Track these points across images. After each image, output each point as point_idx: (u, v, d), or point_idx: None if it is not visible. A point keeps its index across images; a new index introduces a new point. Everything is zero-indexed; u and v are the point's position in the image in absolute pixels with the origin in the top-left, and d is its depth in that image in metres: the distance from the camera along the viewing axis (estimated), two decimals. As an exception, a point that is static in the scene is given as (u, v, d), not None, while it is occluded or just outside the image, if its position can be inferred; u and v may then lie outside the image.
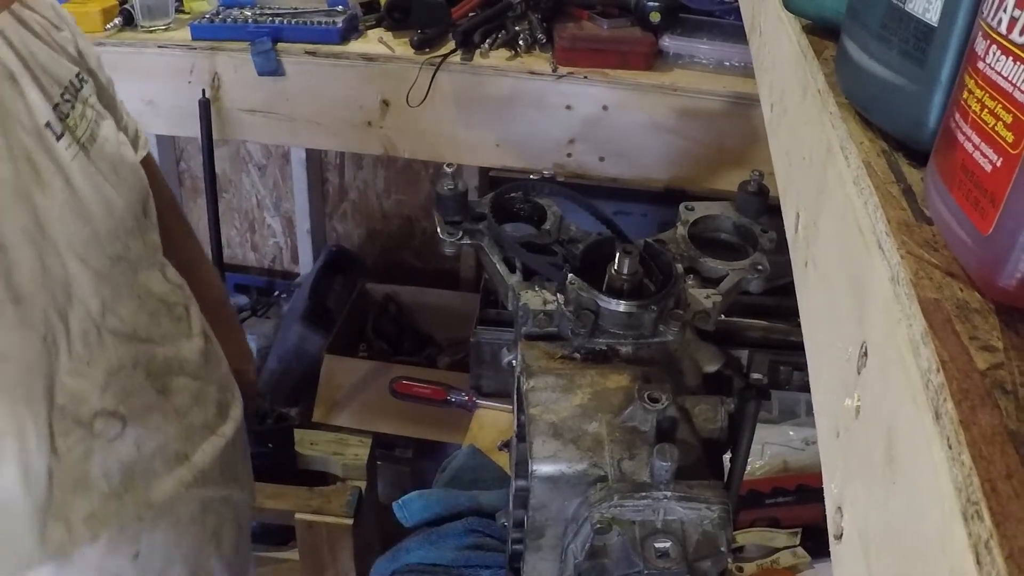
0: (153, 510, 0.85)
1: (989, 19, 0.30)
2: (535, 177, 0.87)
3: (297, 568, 1.75)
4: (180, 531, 0.89)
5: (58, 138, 0.74)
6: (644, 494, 0.60)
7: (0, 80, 0.69)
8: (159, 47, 1.53)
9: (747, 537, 1.29)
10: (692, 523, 0.60)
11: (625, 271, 0.71)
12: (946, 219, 0.32)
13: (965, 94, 0.31)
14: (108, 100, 0.91)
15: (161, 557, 0.88)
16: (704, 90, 1.45)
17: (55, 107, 0.75)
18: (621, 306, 0.71)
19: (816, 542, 1.28)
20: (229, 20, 1.54)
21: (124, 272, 0.82)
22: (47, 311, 0.72)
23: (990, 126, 0.29)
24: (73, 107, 0.77)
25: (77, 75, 0.80)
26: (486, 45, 1.51)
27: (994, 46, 0.29)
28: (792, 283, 0.50)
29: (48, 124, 0.73)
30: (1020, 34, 0.28)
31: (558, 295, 0.74)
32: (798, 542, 1.28)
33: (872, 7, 0.43)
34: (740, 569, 1.25)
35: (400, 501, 1.19)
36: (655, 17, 1.48)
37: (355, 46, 1.53)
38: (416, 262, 2.55)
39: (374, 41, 1.55)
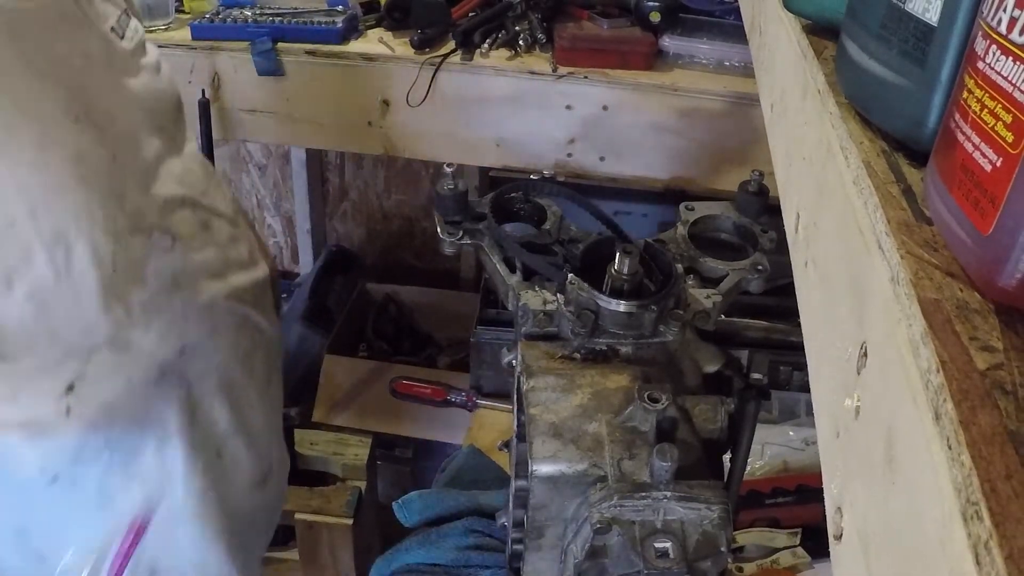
0: (197, 312, 0.99)
1: (989, 19, 0.30)
2: (535, 177, 0.87)
3: (297, 568, 1.75)
4: (218, 340, 1.03)
5: (121, 37, 0.95)
6: (644, 494, 0.60)
7: None
8: (159, 47, 1.52)
9: (747, 537, 1.29)
10: (692, 523, 0.60)
11: (625, 271, 0.71)
12: (946, 219, 0.32)
13: (965, 94, 0.31)
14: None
15: (202, 359, 1.00)
16: (704, 90, 1.45)
17: (118, 18, 0.95)
18: (621, 306, 0.71)
19: (816, 542, 1.28)
20: (229, 20, 1.54)
21: (166, 140, 0.99)
22: (116, 143, 0.89)
23: (990, 126, 0.29)
24: (128, 25, 0.98)
25: (124, 10, 0.99)
26: (486, 45, 1.51)
27: (994, 46, 0.29)
28: (792, 283, 0.50)
29: (112, 28, 0.94)
30: (1020, 34, 0.28)
31: (558, 295, 0.74)
32: (798, 542, 1.28)
33: (872, 7, 0.43)
34: (740, 569, 1.25)
35: (400, 501, 1.19)
36: (655, 17, 1.48)
37: (355, 46, 1.53)
38: (416, 262, 2.55)
39: (374, 41, 1.55)
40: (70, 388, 0.90)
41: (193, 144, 1.10)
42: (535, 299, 0.75)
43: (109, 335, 0.90)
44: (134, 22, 1.00)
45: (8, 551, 1.00)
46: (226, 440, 1.06)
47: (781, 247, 0.80)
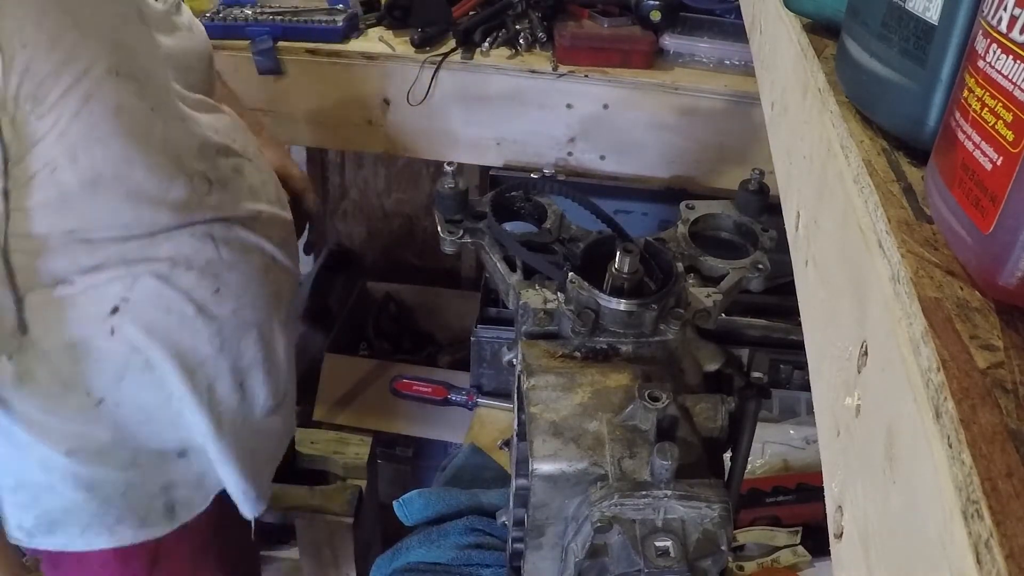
0: (231, 251, 1.06)
1: (989, 18, 0.30)
2: (536, 176, 0.87)
3: (298, 567, 1.75)
4: (249, 278, 1.10)
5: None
6: (644, 493, 0.60)
7: None
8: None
9: (748, 536, 1.29)
10: (692, 522, 0.60)
11: (626, 270, 0.71)
12: (946, 218, 0.32)
13: (965, 93, 0.31)
14: None
15: (234, 297, 1.08)
16: (705, 89, 1.45)
17: None
18: (622, 305, 0.71)
19: (816, 541, 1.28)
20: (230, 19, 1.54)
21: (197, 95, 1.07)
22: (154, 96, 0.96)
23: (990, 125, 0.29)
24: None
25: None
26: (487, 44, 1.50)
27: (994, 45, 0.29)
28: (792, 282, 0.50)
29: None
30: (1020, 32, 0.28)
31: (559, 294, 0.74)
32: (798, 541, 1.28)
33: (872, 6, 0.43)
34: (741, 568, 1.25)
35: (401, 500, 1.19)
36: (656, 16, 1.48)
37: (356, 45, 1.53)
38: (417, 261, 2.55)
39: (375, 40, 1.55)
40: (115, 310, 0.98)
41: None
42: (535, 298, 0.75)
43: (149, 269, 0.99)
44: None
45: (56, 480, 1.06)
46: (249, 371, 1.14)
47: (781, 246, 0.80)
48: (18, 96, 0.84)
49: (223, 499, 1.17)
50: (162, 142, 0.97)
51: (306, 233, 1.45)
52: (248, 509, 1.19)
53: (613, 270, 0.72)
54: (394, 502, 1.20)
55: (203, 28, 1.16)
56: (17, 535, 1.10)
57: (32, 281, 0.94)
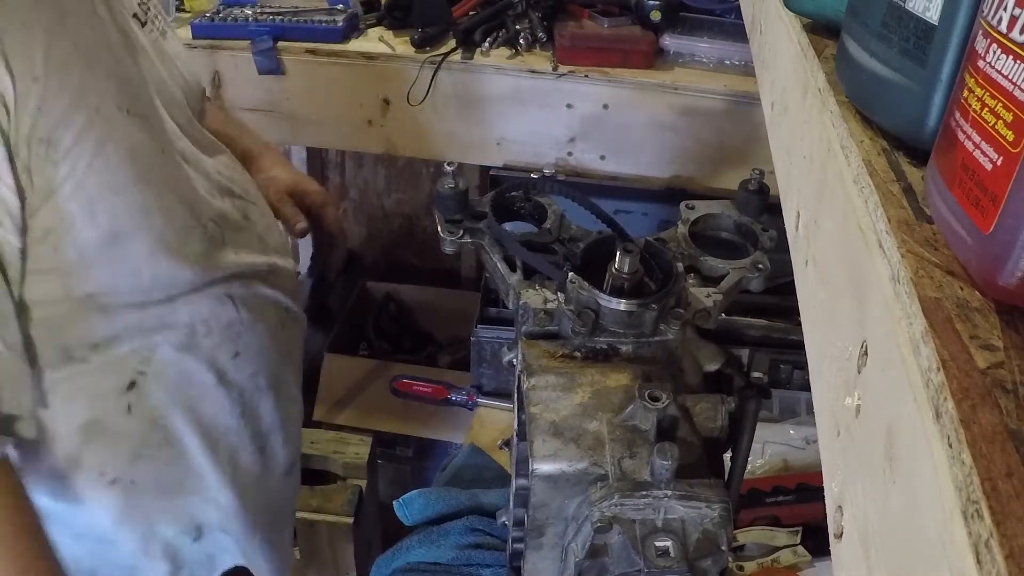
0: (249, 311, 1.00)
1: (989, 18, 0.30)
2: (536, 176, 0.87)
3: (298, 567, 1.75)
4: (266, 338, 1.04)
5: (142, 25, 0.93)
6: (645, 493, 0.60)
7: None
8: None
9: (748, 536, 1.29)
10: (692, 522, 0.60)
11: (626, 270, 0.71)
12: (946, 218, 0.32)
13: (965, 93, 0.31)
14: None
15: (253, 360, 1.02)
16: (705, 89, 1.45)
17: (139, 4, 0.94)
18: (622, 305, 0.71)
19: (816, 541, 1.28)
20: (230, 19, 1.54)
21: (197, 129, 1.00)
22: (160, 135, 0.89)
23: (990, 125, 0.29)
24: (148, 11, 0.96)
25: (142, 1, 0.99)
26: (487, 44, 1.50)
27: (994, 45, 0.29)
28: (792, 282, 0.50)
29: (135, 15, 0.92)
30: (1020, 32, 0.28)
31: (559, 294, 0.74)
32: (798, 541, 1.28)
33: (873, 6, 0.43)
34: (741, 568, 1.25)
35: (401, 500, 1.19)
36: (656, 16, 1.48)
37: (356, 45, 1.53)
38: (417, 261, 2.55)
39: (375, 40, 1.55)
40: (132, 385, 0.92)
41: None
42: (536, 298, 0.75)
43: (168, 339, 0.93)
44: (153, 12, 0.98)
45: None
46: (269, 435, 1.09)
47: (781, 246, 0.80)
48: (31, 138, 0.76)
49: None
50: (175, 186, 0.90)
51: (333, 254, 1.35)
52: None
53: (613, 270, 0.72)
54: (394, 502, 1.20)
55: (188, 57, 1.08)
56: None
57: (48, 358, 0.87)
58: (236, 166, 1.07)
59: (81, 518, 0.96)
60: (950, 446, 0.24)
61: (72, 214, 0.80)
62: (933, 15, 0.36)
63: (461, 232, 0.84)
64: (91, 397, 0.90)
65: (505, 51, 1.51)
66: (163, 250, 0.88)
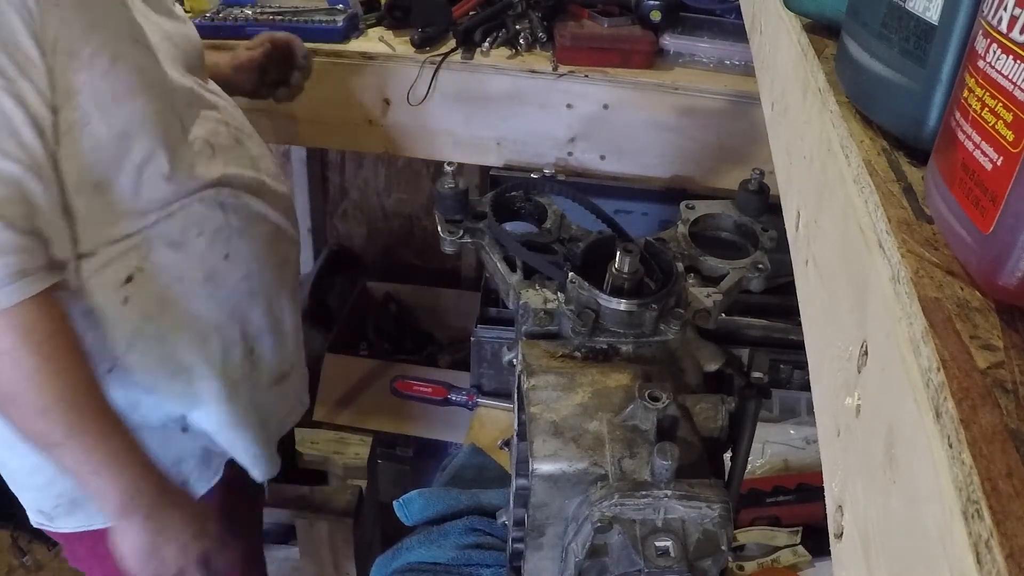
0: (239, 219, 1.11)
1: (989, 18, 0.30)
2: (536, 176, 0.87)
3: (298, 566, 1.75)
4: (257, 246, 1.14)
5: None
6: (645, 493, 0.60)
7: None
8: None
9: (748, 536, 1.29)
10: (693, 522, 0.60)
11: (626, 270, 0.71)
12: (946, 218, 0.32)
13: (965, 92, 0.31)
14: None
15: (243, 264, 1.12)
16: (705, 89, 1.45)
17: None
18: (622, 305, 0.71)
19: (817, 541, 1.28)
20: (230, 19, 1.54)
21: (200, 80, 1.14)
22: (164, 62, 1.03)
23: (990, 125, 0.29)
24: None
25: None
26: (487, 44, 1.50)
27: (994, 45, 0.29)
28: (793, 281, 0.50)
29: None
30: (1020, 32, 0.28)
31: (559, 294, 0.74)
32: (799, 541, 1.28)
33: (873, 6, 0.43)
34: (741, 567, 1.25)
35: (401, 500, 1.19)
36: (656, 16, 1.48)
37: (356, 45, 1.53)
38: (417, 261, 2.55)
39: (375, 40, 1.55)
40: (129, 279, 1.01)
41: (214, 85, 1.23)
42: (536, 298, 0.75)
43: (163, 238, 1.03)
44: None
45: None
46: (258, 338, 1.18)
47: (782, 245, 0.80)
48: (55, 50, 0.90)
49: (230, 477, 1.20)
50: (172, 105, 1.03)
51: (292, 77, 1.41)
52: (259, 472, 1.21)
53: (613, 270, 0.72)
54: (394, 502, 1.20)
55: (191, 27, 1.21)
56: (39, 519, 1.11)
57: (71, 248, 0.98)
58: (235, 107, 1.20)
59: None
60: (950, 446, 0.24)
61: (89, 113, 0.94)
62: (933, 15, 0.36)
63: (461, 232, 0.84)
64: (93, 287, 0.99)
65: (505, 51, 1.51)
66: (162, 153, 1.01)
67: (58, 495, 1.07)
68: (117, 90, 0.97)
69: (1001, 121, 0.28)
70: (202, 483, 1.17)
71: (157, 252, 1.03)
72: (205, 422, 1.13)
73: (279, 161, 1.28)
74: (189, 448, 1.15)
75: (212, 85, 1.19)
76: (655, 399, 0.63)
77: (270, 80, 1.37)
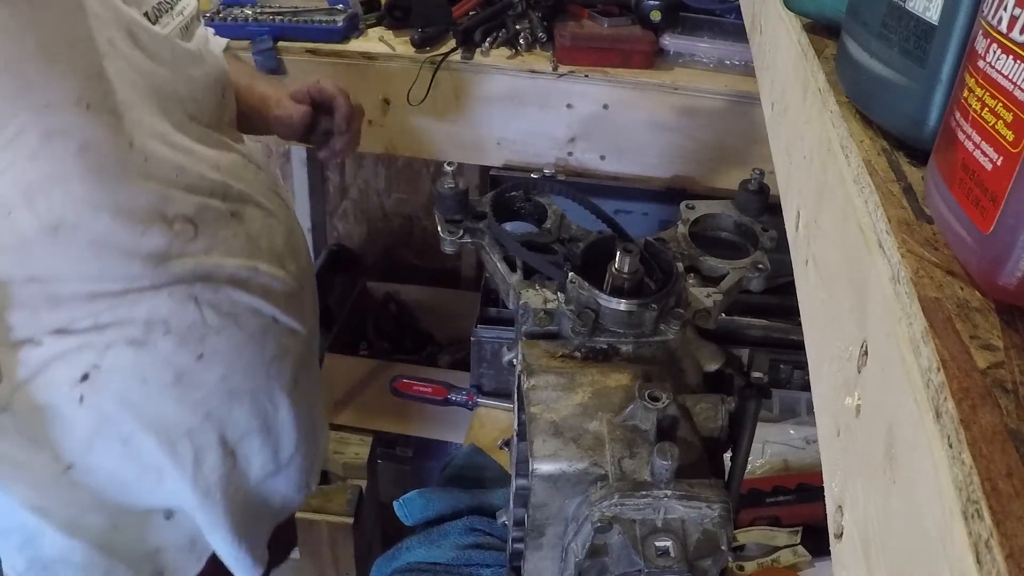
0: (218, 315, 0.97)
1: (989, 17, 0.30)
2: (536, 176, 0.87)
3: (298, 567, 1.75)
4: (241, 343, 1.00)
5: (154, 22, 0.92)
6: (645, 493, 0.60)
7: None
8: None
9: (748, 536, 1.29)
10: (693, 522, 0.60)
11: (626, 270, 0.71)
12: (946, 218, 0.32)
13: (965, 92, 0.31)
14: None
15: (222, 364, 0.99)
16: (705, 89, 1.45)
17: (158, 3, 0.94)
18: (622, 305, 0.71)
19: (817, 541, 1.28)
20: (230, 19, 1.54)
21: (203, 129, 0.98)
22: (138, 129, 0.87)
23: (990, 125, 0.29)
24: (172, 8, 0.96)
25: None
26: (487, 44, 1.50)
27: (994, 44, 0.29)
28: (793, 282, 0.50)
29: (146, 13, 0.91)
30: (1020, 32, 0.28)
31: (559, 294, 0.74)
32: (798, 541, 1.28)
33: (873, 6, 0.43)
34: (741, 567, 1.25)
35: (401, 500, 1.19)
36: (656, 16, 1.48)
37: (356, 45, 1.53)
38: (417, 261, 2.55)
39: (375, 40, 1.55)
40: (85, 377, 0.91)
41: (234, 125, 1.09)
42: (536, 298, 0.75)
43: (123, 335, 0.91)
44: (181, 4, 0.99)
45: (14, 554, 1.01)
46: (241, 439, 1.06)
47: (782, 246, 0.80)
48: None
49: (213, 570, 1.11)
50: (141, 181, 0.87)
51: (339, 141, 1.21)
52: (241, 574, 1.12)
53: (613, 270, 0.72)
54: (394, 502, 1.20)
55: (218, 56, 1.06)
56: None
57: (2, 335, 0.88)
58: (248, 165, 1.05)
59: (44, 494, 0.97)
60: (950, 446, 0.24)
61: (11, 200, 0.81)
62: (933, 15, 0.36)
63: (461, 232, 0.84)
64: (44, 382, 0.91)
65: (505, 51, 1.51)
66: (111, 245, 0.87)
67: (30, 558, 1.00)
68: (50, 174, 0.81)
69: (1001, 121, 0.28)
70: (181, 574, 1.08)
71: (116, 350, 0.91)
72: (189, 514, 1.05)
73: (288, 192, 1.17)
74: (172, 537, 1.06)
75: (226, 133, 1.04)
76: (655, 399, 0.63)
77: (321, 130, 1.20)
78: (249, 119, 1.17)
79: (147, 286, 0.91)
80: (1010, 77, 0.28)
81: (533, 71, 1.47)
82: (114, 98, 0.85)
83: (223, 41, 1.14)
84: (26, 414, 0.92)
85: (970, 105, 0.31)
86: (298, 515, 1.66)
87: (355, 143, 1.20)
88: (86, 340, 0.90)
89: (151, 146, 0.88)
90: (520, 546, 0.74)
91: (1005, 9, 0.29)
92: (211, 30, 1.15)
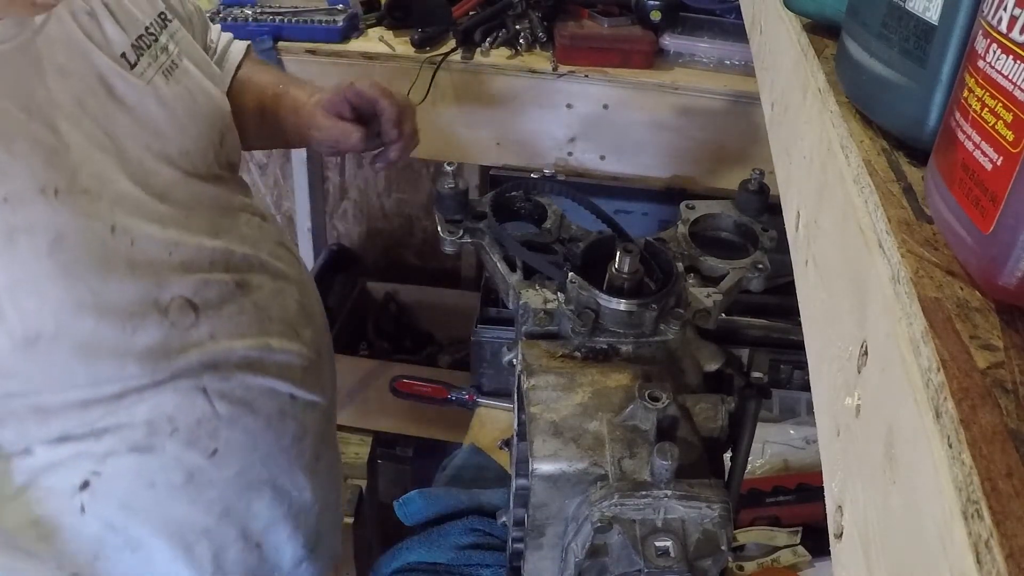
0: (230, 405, 0.86)
1: (989, 17, 0.30)
2: (536, 176, 0.87)
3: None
4: (258, 432, 0.90)
5: (132, 66, 0.81)
6: (645, 493, 0.60)
7: (80, 14, 0.78)
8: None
9: (748, 536, 1.29)
10: (693, 522, 0.60)
11: (626, 270, 0.71)
12: (946, 218, 0.32)
13: (965, 92, 0.31)
14: (197, 26, 1.00)
15: (238, 458, 0.89)
16: (705, 89, 1.45)
17: (137, 38, 0.83)
18: (622, 305, 0.71)
19: (816, 541, 1.28)
20: (230, 19, 1.54)
21: (197, 185, 0.86)
22: (118, 206, 0.76)
23: (990, 125, 0.29)
24: (156, 40, 0.85)
25: (160, 15, 0.87)
26: (487, 44, 1.50)
27: (994, 45, 0.29)
28: (793, 282, 0.50)
29: (124, 55, 0.80)
30: (1020, 32, 0.28)
31: (559, 294, 0.74)
32: (798, 541, 1.28)
33: (873, 6, 0.43)
34: (741, 568, 1.25)
35: (401, 500, 1.19)
36: (656, 16, 1.48)
37: (356, 45, 1.53)
38: (417, 261, 2.55)
39: (375, 40, 1.55)
40: (85, 485, 0.82)
41: (236, 170, 0.97)
42: (536, 298, 0.75)
43: (123, 440, 0.82)
44: (164, 39, 0.86)
45: None
46: (266, 531, 0.96)
47: (782, 246, 0.80)
48: None
49: None
50: (127, 271, 0.76)
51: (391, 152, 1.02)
52: None
53: (613, 270, 0.72)
54: (394, 502, 1.20)
55: (214, 92, 0.92)
56: None
57: None
58: (249, 222, 0.92)
59: None
60: (950, 446, 0.24)
61: None
62: (933, 15, 0.36)
63: (461, 232, 0.84)
64: (41, 493, 0.81)
65: (505, 51, 1.51)
66: (99, 349, 0.76)
67: None
68: (20, 280, 0.70)
69: (1001, 121, 0.28)
70: None
71: (116, 455, 0.81)
72: None
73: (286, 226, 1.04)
74: None
75: (226, 183, 0.91)
76: (655, 399, 0.63)
77: (371, 138, 1.01)
78: (284, 134, 1.05)
79: (147, 384, 0.81)
80: (1010, 77, 0.28)
81: (533, 71, 1.47)
82: (87, 176, 0.73)
83: (242, 46, 1.07)
84: (22, 526, 0.83)
85: (970, 105, 0.31)
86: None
87: (410, 146, 1.02)
88: (83, 448, 0.81)
89: (137, 226, 0.77)
90: (520, 546, 0.74)
91: (1005, 9, 0.29)
92: (229, 34, 1.08)
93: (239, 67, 1.07)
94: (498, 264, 0.80)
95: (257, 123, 1.06)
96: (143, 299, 0.78)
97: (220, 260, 0.86)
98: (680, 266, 0.77)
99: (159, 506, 0.86)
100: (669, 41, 1.49)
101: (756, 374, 0.74)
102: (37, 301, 0.72)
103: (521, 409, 0.71)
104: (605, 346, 0.71)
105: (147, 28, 0.84)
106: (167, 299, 0.80)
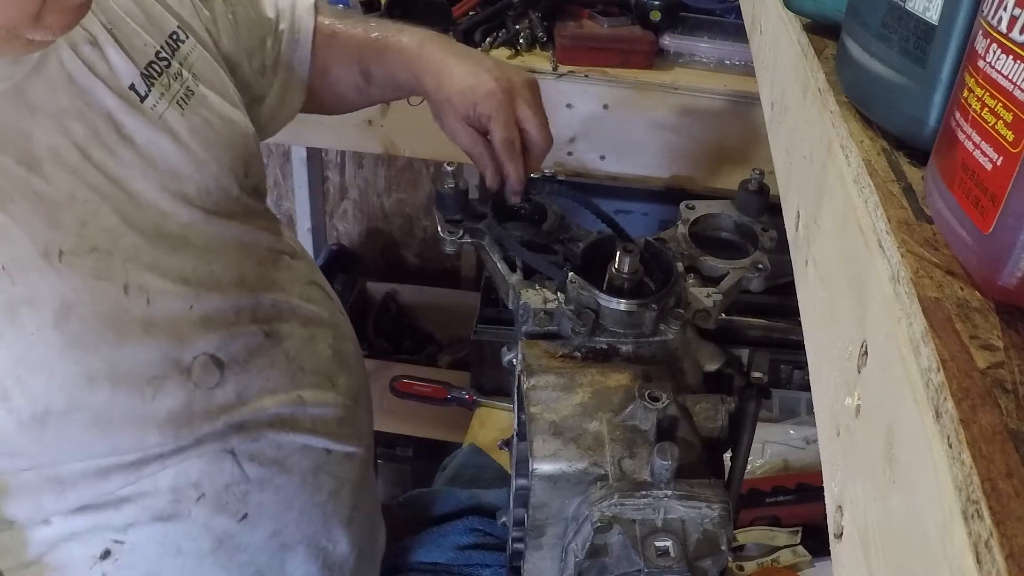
0: (261, 467, 0.81)
1: (989, 17, 0.30)
2: (536, 175, 0.87)
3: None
4: (292, 492, 0.84)
5: (142, 99, 0.73)
6: (645, 493, 0.60)
7: (82, 45, 0.70)
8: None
9: (747, 536, 1.29)
10: (693, 522, 0.60)
11: (626, 270, 0.71)
12: (946, 218, 0.32)
13: (965, 93, 0.31)
14: (225, 27, 0.90)
15: (271, 520, 0.83)
16: (705, 89, 1.45)
17: (147, 66, 0.75)
18: (622, 305, 0.71)
19: (816, 541, 1.28)
20: (229, 19, 1.54)
21: (220, 224, 0.79)
22: (130, 261, 0.69)
23: (990, 125, 0.29)
24: (168, 66, 0.77)
25: (172, 35, 0.79)
26: (487, 44, 1.50)
27: (994, 45, 0.29)
28: (793, 282, 0.50)
29: (132, 86, 0.73)
30: (1020, 32, 0.28)
31: (559, 294, 0.74)
32: (798, 541, 1.28)
33: (873, 6, 0.43)
34: (740, 568, 1.25)
35: (401, 500, 1.19)
36: (656, 16, 1.48)
37: (356, 45, 1.53)
38: (417, 261, 2.55)
39: (375, 40, 1.55)
40: (107, 554, 0.76)
41: (262, 200, 0.89)
42: (536, 298, 0.75)
43: (146, 508, 0.76)
44: (176, 65, 0.78)
45: None
46: None
47: (781, 246, 0.80)
48: None
49: None
50: (143, 334, 0.70)
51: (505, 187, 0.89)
52: None
53: (613, 270, 0.72)
54: (394, 502, 1.20)
55: (238, 118, 0.83)
56: None
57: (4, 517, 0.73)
58: (278, 261, 0.86)
59: None
60: (950, 446, 0.24)
61: None
62: (933, 15, 0.36)
63: (461, 232, 0.84)
64: (59, 561, 0.76)
65: (505, 51, 1.51)
66: (116, 420, 0.70)
67: None
68: (22, 358, 0.64)
69: (1001, 121, 0.28)
70: None
71: (139, 524, 0.76)
72: None
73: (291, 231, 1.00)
74: None
75: (251, 218, 0.83)
76: (655, 399, 0.63)
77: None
78: (399, 87, 0.98)
79: (170, 451, 0.75)
80: (1010, 77, 0.28)
81: (533, 71, 1.47)
82: (95, 231, 0.67)
83: (309, 6, 0.98)
84: None
85: (970, 105, 0.31)
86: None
87: (527, 169, 0.87)
88: (103, 519, 0.75)
89: (152, 282, 0.71)
90: (520, 546, 0.74)
91: (1005, 9, 0.29)
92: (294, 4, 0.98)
93: (314, 33, 0.99)
94: (498, 264, 0.80)
95: (362, 82, 1.00)
96: (162, 361, 0.72)
97: (247, 310, 0.80)
98: (680, 266, 0.77)
99: (186, 573, 0.81)
100: (669, 41, 1.49)
101: (756, 374, 0.75)
102: (45, 378, 0.66)
103: (521, 409, 0.71)
104: (605, 346, 0.71)
105: (157, 53, 0.77)
106: (189, 359, 0.74)
